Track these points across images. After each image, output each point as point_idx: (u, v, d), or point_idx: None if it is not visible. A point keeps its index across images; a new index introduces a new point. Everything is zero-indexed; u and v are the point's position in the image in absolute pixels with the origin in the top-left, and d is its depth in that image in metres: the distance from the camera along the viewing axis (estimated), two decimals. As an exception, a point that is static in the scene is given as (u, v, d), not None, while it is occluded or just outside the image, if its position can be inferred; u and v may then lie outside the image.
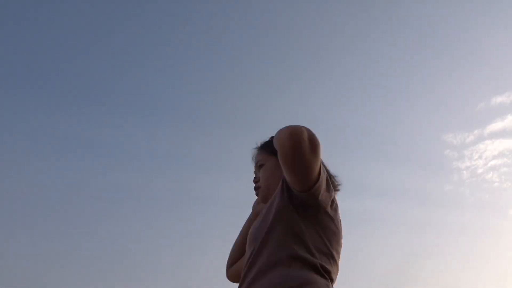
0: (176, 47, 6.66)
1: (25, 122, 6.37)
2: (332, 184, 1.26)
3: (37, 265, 5.74)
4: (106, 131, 6.57)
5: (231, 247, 1.50)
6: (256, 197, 1.45)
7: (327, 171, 1.32)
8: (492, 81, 6.92)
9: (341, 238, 1.27)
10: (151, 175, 6.58)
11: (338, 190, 1.34)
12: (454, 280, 6.63)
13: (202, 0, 6.63)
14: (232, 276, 1.45)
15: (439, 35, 6.75)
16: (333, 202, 1.23)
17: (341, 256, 1.25)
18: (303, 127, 1.10)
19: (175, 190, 6.37)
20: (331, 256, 1.17)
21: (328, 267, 1.14)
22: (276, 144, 1.13)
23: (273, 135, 1.23)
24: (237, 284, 1.20)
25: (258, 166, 1.41)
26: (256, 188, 1.42)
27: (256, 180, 1.42)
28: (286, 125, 1.14)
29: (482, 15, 6.52)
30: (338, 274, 1.21)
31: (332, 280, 1.15)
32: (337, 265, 1.20)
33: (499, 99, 6.85)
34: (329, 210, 1.20)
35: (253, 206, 1.51)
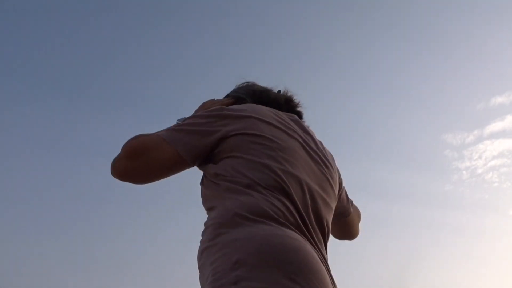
0: (183, 48, 6.66)
1: (24, 120, 6.38)
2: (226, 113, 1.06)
3: (37, 266, 5.75)
4: (106, 129, 6.57)
5: None
6: None
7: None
8: (492, 81, 6.93)
9: (276, 138, 1.04)
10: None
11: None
12: (453, 280, 6.64)
13: (207, 4, 6.63)
14: None
15: (439, 37, 6.77)
16: (232, 124, 1.04)
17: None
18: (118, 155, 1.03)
19: (177, 191, 6.38)
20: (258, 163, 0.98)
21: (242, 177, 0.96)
22: None
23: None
24: None
25: None
26: None
27: None
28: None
29: (482, 15, 6.53)
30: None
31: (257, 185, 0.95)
32: (264, 165, 0.97)
33: (499, 99, 6.85)
34: (226, 134, 1.02)
35: None
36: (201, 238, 0.97)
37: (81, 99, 6.49)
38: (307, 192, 1.00)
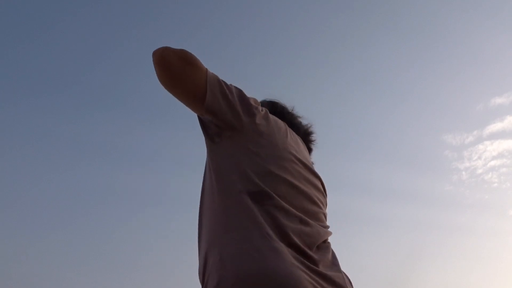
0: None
1: (34, 126, 6.38)
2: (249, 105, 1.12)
3: (37, 266, 5.75)
4: (117, 135, 6.58)
5: None
6: None
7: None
8: (492, 82, 6.93)
9: (288, 153, 1.11)
10: (164, 177, 6.59)
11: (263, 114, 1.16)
12: (453, 280, 6.63)
13: (208, 4, 6.64)
14: None
15: (439, 37, 6.77)
16: (262, 123, 1.11)
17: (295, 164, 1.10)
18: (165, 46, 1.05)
19: (180, 191, 6.38)
20: (268, 173, 1.04)
21: (266, 187, 1.01)
22: None
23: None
24: None
25: None
26: None
27: None
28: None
29: (482, 16, 6.53)
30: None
31: (268, 197, 1.00)
32: (281, 179, 1.04)
33: (498, 100, 6.86)
34: (248, 128, 1.08)
35: None
36: None
37: (76, 97, 6.50)
38: None
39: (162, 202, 6.54)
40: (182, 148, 6.68)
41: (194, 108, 1.09)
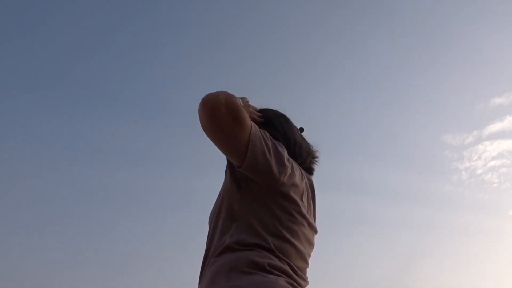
0: (183, 50, 6.66)
1: (32, 125, 6.38)
2: (294, 155, 1.22)
3: (43, 267, 5.74)
4: (111, 133, 6.57)
5: None
6: None
7: (291, 140, 1.26)
8: (491, 82, 6.94)
9: (300, 215, 1.16)
10: (158, 176, 6.58)
11: (308, 162, 1.32)
12: (453, 281, 6.63)
13: (208, 3, 6.63)
14: None
15: (438, 37, 6.77)
16: (289, 176, 1.14)
17: (304, 232, 1.17)
18: (221, 92, 1.04)
19: (181, 191, 6.38)
20: (280, 236, 1.10)
21: (279, 245, 1.09)
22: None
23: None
24: None
25: None
26: None
27: None
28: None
29: (481, 16, 6.54)
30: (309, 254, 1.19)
31: (286, 260, 1.09)
32: (292, 245, 1.12)
33: (498, 100, 6.86)
34: (277, 185, 1.11)
35: None
36: None
37: (70, 95, 6.49)
38: None
39: (155, 200, 6.54)
40: (177, 148, 6.68)
41: (231, 158, 1.11)
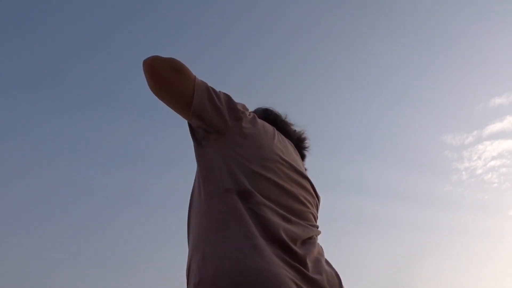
0: (183, 50, 6.66)
1: (32, 125, 6.38)
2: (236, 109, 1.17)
3: (42, 267, 5.74)
4: (111, 133, 6.57)
5: None
6: None
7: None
8: (491, 82, 6.94)
9: (270, 152, 1.14)
10: (158, 176, 6.59)
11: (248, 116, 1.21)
12: (453, 281, 6.63)
13: (208, 3, 6.63)
14: None
15: (438, 37, 6.77)
16: (249, 123, 1.16)
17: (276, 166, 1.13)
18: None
19: (181, 191, 6.38)
20: (250, 172, 1.07)
21: (249, 185, 1.04)
22: None
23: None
24: None
25: None
26: None
27: None
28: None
29: (481, 16, 6.53)
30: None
31: (257, 194, 1.04)
32: (264, 178, 1.08)
33: (498, 100, 6.86)
34: (234, 132, 1.12)
35: None
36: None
37: (70, 94, 6.49)
38: None
39: (155, 200, 6.54)
40: (177, 148, 6.68)
41: (183, 114, 1.14)
